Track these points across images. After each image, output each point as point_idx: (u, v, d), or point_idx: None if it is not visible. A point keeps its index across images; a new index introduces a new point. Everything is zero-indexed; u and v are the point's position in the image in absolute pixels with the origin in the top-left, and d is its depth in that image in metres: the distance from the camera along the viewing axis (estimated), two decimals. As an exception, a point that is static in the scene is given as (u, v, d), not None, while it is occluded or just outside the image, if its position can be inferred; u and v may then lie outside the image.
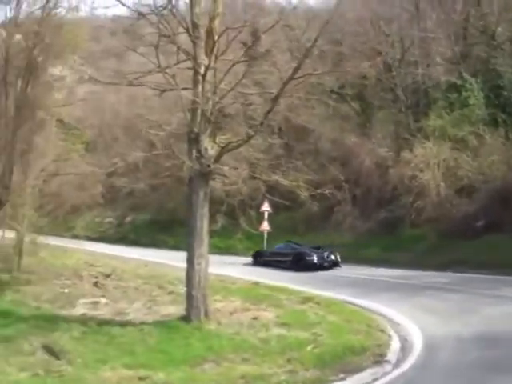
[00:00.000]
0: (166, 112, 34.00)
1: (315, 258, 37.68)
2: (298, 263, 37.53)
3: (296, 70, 19.25)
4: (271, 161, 23.41)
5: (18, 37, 32.01)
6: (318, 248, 39.24)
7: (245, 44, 22.88)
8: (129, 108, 54.00)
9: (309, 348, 17.31)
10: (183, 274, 24.54)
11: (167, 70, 20.02)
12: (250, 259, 40.57)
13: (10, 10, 31.59)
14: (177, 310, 21.58)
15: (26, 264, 32.29)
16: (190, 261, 20.38)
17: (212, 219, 21.97)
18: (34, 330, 20.94)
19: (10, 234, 33.34)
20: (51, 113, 31.95)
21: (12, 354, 18.93)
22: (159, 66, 19.84)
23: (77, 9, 31.59)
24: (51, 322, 21.84)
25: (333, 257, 38.49)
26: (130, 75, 21.29)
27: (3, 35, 31.72)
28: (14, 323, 22.21)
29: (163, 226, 50.96)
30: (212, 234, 22.10)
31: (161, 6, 20.01)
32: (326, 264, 37.66)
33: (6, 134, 29.79)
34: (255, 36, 22.93)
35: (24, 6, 31.77)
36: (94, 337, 19.53)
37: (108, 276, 29.43)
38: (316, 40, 19.66)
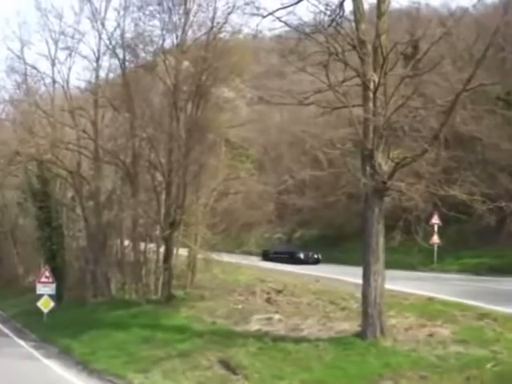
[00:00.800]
0: (331, 129, 34.06)
1: (302, 256, 50.62)
2: (292, 259, 49.52)
3: (468, 81, 18.69)
4: (440, 174, 22.73)
5: (185, 63, 33.13)
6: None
7: (406, 56, 22.53)
8: (292, 126, 54.39)
9: (488, 366, 16.61)
10: (355, 289, 24.45)
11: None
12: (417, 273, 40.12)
13: (177, 38, 32.84)
14: (351, 326, 21.41)
15: (198, 280, 33.31)
16: (366, 277, 20.08)
17: (388, 235, 21.61)
18: (210, 345, 21.64)
19: (184, 252, 34.48)
20: (220, 134, 32.77)
21: (189, 368, 19.73)
22: (330, 85, 19.87)
23: (240, 32, 32.32)
24: (226, 337, 22.44)
25: (315, 256, 50.79)
26: (299, 95, 21.44)
27: (172, 62, 32.86)
28: (191, 338, 23.07)
29: (331, 241, 51.00)
30: (389, 249, 21.72)
31: (327, 25, 20.06)
32: (310, 260, 50.13)
33: (179, 157, 30.94)
34: (416, 48, 22.58)
35: (189, 32, 32.91)
36: (269, 352, 19.84)
37: (280, 292, 29.55)
38: (486, 51, 19.03)
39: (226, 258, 33.77)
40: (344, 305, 25.56)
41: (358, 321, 20.66)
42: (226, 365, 19.51)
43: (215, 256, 32.69)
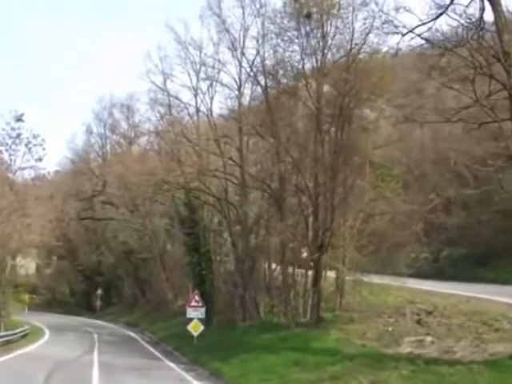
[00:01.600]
0: (474, 144, 33.24)
1: None
2: None
3: None
4: None
5: (325, 86, 33.23)
6: None
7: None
8: (434, 143, 53.29)
9: None
10: (507, 309, 23.64)
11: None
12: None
13: (317, 61, 32.99)
14: (505, 347, 20.71)
15: (347, 302, 33.09)
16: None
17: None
18: (362, 367, 21.41)
19: (331, 274, 34.41)
20: (365, 155, 32.53)
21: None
22: (477, 100, 19.45)
23: (378, 52, 32.11)
24: (378, 360, 22.13)
25: None
26: (445, 112, 21.14)
27: (313, 86, 33.03)
28: (341, 361, 22.90)
29: (480, 260, 49.37)
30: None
31: (470, 38, 19.73)
32: None
33: (325, 180, 31.00)
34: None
35: (328, 55, 33.03)
36: (422, 376, 19.40)
37: (430, 313, 28.86)
38: None
39: (375, 279, 33.44)
40: (497, 326, 24.70)
41: (513, 343, 20.01)
42: (379, 389, 19.32)
43: (363, 277, 32.48)
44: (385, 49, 31.30)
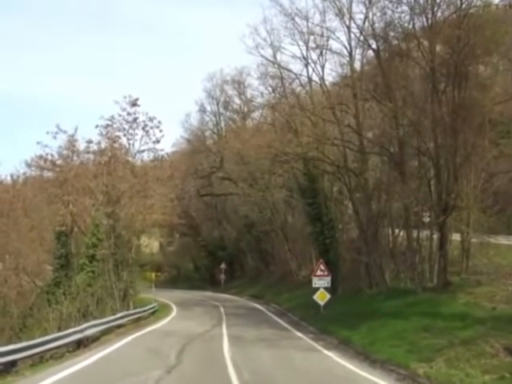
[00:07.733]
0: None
1: None
2: None
3: None
4: None
5: (437, 46, 32.33)
6: None
7: None
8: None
9: None
10: None
11: None
12: None
13: (427, 20, 32.13)
14: None
15: (473, 265, 32.38)
16: None
17: None
18: (494, 331, 20.90)
19: (455, 237, 33.73)
20: (485, 113, 31.36)
21: (473, 356, 19.18)
22: None
23: (490, 4, 31.00)
24: (510, 323, 21.59)
25: None
26: None
27: (425, 45, 32.19)
28: (472, 325, 22.49)
29: None
30: None
31: None
32: None
33: (446, 140, 30.23)
34: None
35: (439, 13, 32.11)
36: None
37: None
38: None
39: (502, 240, 32.53)
40: None
41: None
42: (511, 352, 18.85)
43: (490, 239, 31.62)
44: (496, 1, 30.22)
